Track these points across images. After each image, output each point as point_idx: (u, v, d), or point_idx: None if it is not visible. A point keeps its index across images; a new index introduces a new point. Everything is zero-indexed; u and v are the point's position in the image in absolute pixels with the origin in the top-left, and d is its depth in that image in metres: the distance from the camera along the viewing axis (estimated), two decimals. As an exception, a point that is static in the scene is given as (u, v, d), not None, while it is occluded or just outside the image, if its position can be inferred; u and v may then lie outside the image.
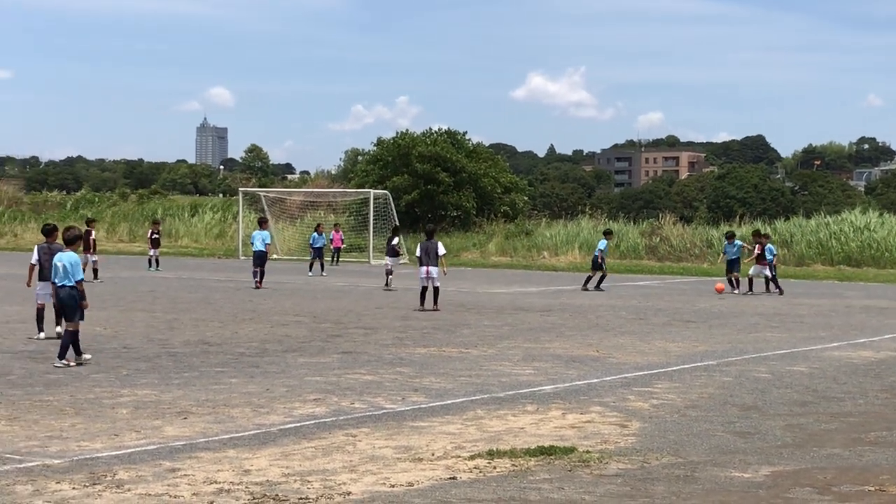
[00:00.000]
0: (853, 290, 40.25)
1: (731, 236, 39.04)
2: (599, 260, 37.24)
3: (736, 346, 21.10)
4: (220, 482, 9.42)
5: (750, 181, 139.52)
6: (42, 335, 19.83)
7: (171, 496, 8.91)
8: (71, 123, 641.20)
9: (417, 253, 29.00)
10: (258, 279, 34.47)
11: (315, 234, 47.00)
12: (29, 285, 20.64)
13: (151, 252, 44.98)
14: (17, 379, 15.31)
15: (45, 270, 19.43)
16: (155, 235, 45.43)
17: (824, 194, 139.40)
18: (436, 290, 28.28)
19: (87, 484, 9.28)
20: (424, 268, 28.30)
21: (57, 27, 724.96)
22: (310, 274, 43.66)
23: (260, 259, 34.89)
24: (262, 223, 37.32)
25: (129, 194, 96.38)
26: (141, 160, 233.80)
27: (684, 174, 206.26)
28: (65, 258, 17.20)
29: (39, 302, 19.93)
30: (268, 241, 36.21)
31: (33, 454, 10.46)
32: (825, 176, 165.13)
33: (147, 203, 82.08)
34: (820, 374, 17.29)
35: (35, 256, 19.98)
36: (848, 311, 30.24)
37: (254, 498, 8.90)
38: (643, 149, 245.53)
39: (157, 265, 44.43)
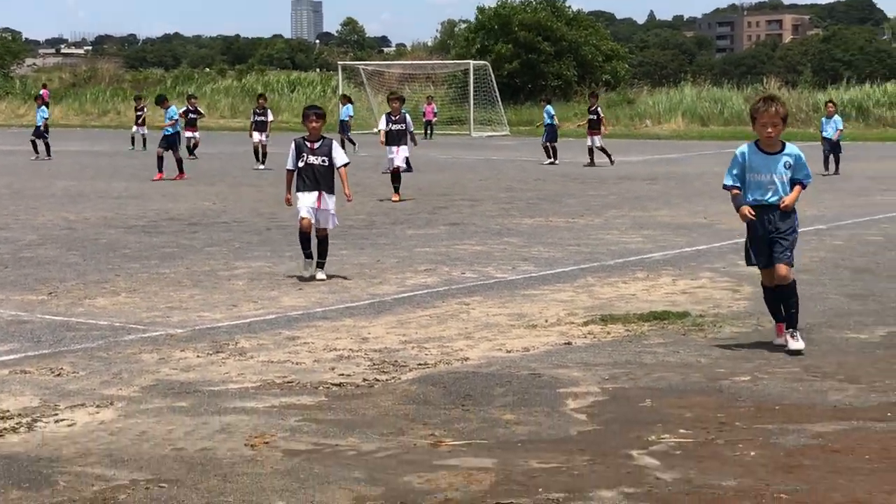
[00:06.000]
0: (965, 152, 39.36)
1: (547, 101, 36.71)
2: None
3: (846, 209, 20.82)
4: (339, 349, 9.60)
5: (856, 43, 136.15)
6: (312, 266, 13.44)
7: (293, 363, 9.11)
8: None
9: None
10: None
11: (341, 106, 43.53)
12: (289, 202, 14.02)
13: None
14: (133, 253, 15.64)
15: (307, 178, 13.55)
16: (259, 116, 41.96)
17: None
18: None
19: (211, 352, 9.52)
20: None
21: None
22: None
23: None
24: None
25: (228, 70, 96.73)
26: (237, 36, 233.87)
27: (788, 38, 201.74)
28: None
29: (304, 216, 13.39)
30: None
31: (156, 324, 10.73)
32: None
33: (245, 79, 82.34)
34: (934, 237, 17.02)
35: (292, 160, 13.75)
36: (960, 173, 29.61)
37: (374, 364, 9.07)
38: (746, 13, 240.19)
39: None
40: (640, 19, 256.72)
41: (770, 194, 9.41)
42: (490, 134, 54.95)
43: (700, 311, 11.28)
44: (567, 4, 71.12)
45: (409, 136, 23.28)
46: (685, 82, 66.49)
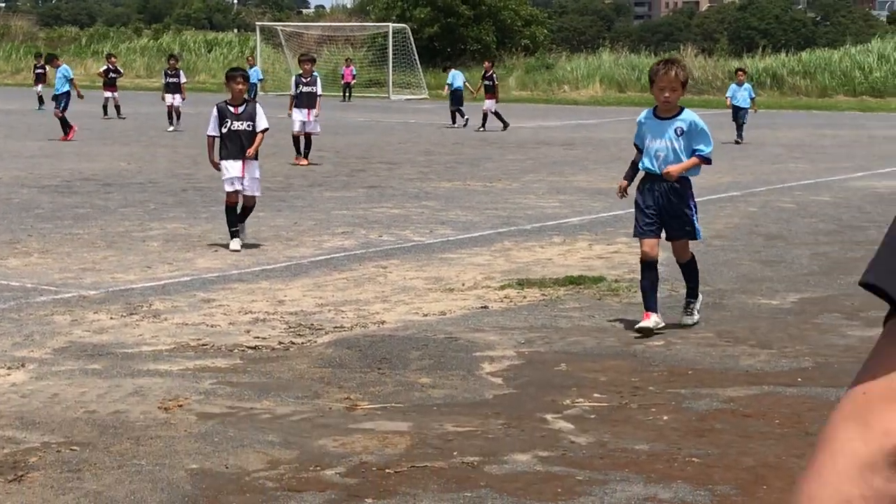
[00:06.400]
0: (876, 120, 39.98)
1: (446, 68, 37.67)
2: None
3: (759, 177, 21.07)
4: (255, 312, 9.55)
5: (771, 12, 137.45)
6: (238, 244, 12.71)
7: (208, 325, 9.05)
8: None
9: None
10: None
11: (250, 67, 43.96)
12: (217, 166, 13.07)
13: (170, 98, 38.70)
14: (46, 213, 15.42)
15: (231, 144, 12.90)
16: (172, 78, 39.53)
17: (847, 24, 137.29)
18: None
19: (125, 314, 9.42)
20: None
21: None
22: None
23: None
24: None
25: (144, 29, 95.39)
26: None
27: (705, 5, 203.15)
28: None
29: (230, 191, 12.92)
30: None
31: (69, 285, 10.59)
32: (847, 6, 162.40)
33: (162, 38, 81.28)
34: (844, 204, 17.30)
35: (213, 125, 12.99)
36: (871, 141, 30.09)
37: (290, 327, 9.03)
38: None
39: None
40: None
41: (660, 162, 8.80)
42: (409, 97, 54.81)
43: (615, 275, 11.37)
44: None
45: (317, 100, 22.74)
46: (603, 48, 66.68)
